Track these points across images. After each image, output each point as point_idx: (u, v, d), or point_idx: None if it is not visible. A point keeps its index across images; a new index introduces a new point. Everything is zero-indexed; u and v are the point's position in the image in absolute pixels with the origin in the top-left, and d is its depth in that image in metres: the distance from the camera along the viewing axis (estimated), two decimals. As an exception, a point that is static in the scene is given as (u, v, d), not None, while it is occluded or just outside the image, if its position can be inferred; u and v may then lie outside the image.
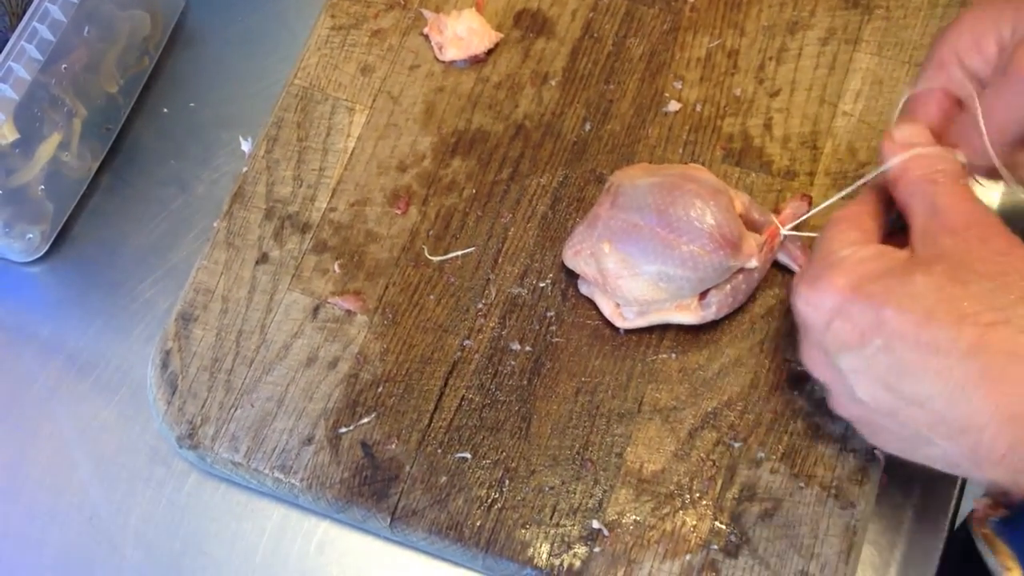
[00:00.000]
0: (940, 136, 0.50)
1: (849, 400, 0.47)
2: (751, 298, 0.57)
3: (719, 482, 0.54)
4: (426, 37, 0.66)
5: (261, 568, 0.57)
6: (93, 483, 0.60)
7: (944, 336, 0.41)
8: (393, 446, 0.56)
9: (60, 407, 0.62)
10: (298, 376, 0.58)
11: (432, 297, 0.59)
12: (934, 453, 0.45)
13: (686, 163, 0.61)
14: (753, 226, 0.56)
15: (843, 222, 0.48)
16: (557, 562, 0.53)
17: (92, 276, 0.66)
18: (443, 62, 0.65)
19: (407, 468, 0.55)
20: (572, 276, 0.59)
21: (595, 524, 0.53)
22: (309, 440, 0.56)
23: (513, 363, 0.57)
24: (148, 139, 0.69)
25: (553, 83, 0.64)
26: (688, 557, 0.52)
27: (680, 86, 0.63)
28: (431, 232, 0.61)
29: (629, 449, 0.55)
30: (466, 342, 0.58)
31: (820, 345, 0.46)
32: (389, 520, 0.55)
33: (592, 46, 0.65)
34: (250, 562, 0.58)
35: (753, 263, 0.55)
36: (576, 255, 0.57)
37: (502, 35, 0.65)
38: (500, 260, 0.60)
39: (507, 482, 0.55)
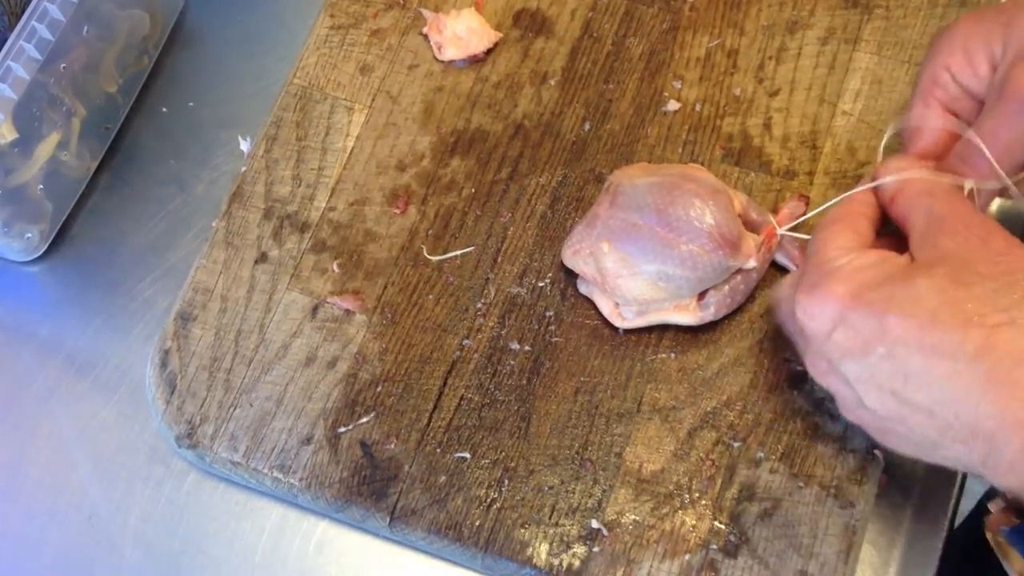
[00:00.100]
0: (942, 157, 0.50)
1: (857, 406, 0.46)
2: (750, 298, 0.57)
3: (718, 482, 0.54)
4: (425, 37, 0.66)
5: (260, 567, 0.57)
6: (92, 482, 0.60)
7: (949, 339, 0.41)
8: (392, 446, 0.56)
9: (59, 406, 0.62)
10: (297, 376, 0.58)
11: (431, 297, 0.59)
12: (950, 455, 0.44)
13: (685, 163, 0.61)
14: (751, 226, 0.56)
15: (836, 223, 0.48)
16: (556, 562, 0.53)
17: (91, 275, 0.66)
18: (442, 62, 0.65)
19: (406, 468, 0.55)
20: (571, 276, 0.59)
21: (594, 524, 0.53)
22: (308, 440, 0.56)
23: (512, 363, 0.57)
24: (147, 138, 0.69)
25: (552, 83, 0.64)
26: (687, 557, 0.52)
27: (679, 85, 0.63)
28: (430, 232, 0.61)
29: (628, 449, 0.55)
30: (465, 342, 0.58)
31: (823, 354, 0.46)
32: (388, 520, 0.55)
33: (591, 46, 0.65)
34: (249, 561, 0.58)
35: (751, 263, 0.55)
36: (575, 254, 0.57)
37: (501, 35, 0.65)
38: (499, 260, 0.60)
39: (506, 482, 0.55)
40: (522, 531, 0.54)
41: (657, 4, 0.66)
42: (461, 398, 0.57)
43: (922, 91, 0.52)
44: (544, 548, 0.53)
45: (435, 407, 0.57)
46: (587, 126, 0.63)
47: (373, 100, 0.65)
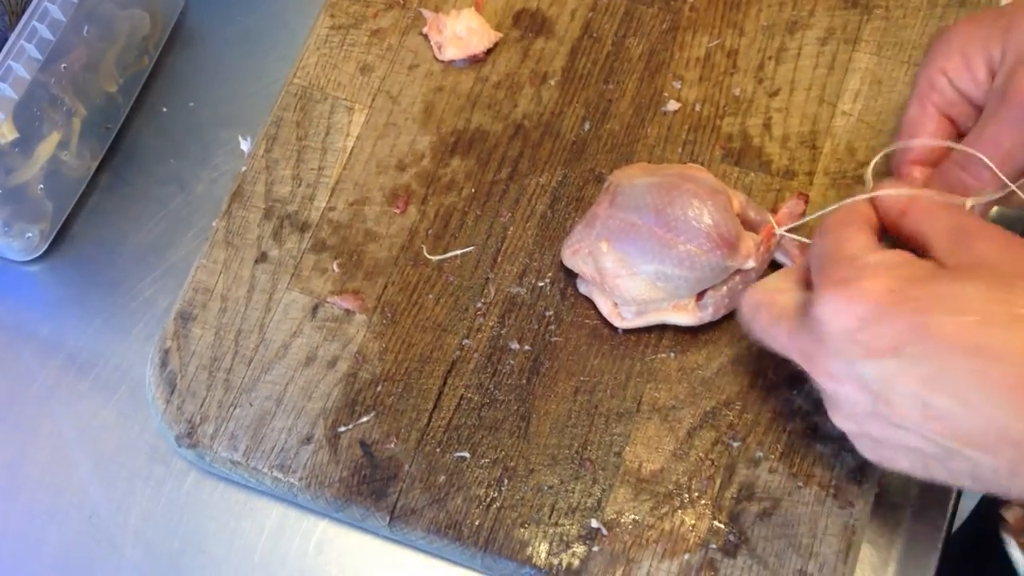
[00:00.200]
0: (936, 163, 0.50)
1: (866, 413, 0.44)
2: (750, 298, 0.57)
3: (718, 481, 0.54)
4: (425, 37, 0.66)
5: (260, 567, 0.57)
6: (92, 482, 0.60)
7: (999, 339, 0.39)
8: (392, 445, 0.56)
9: (59, 406, 0.62)
10: (297, 375, 0.58)
11: (431, 296, 0.59)
12: (962, 467, 0.42)
13: (685, 163, 0.61)
14: (750, 226, 0.56)
15: (850, 225, 0.46)
16: (556, 561, 0.53)
17: (91, 275, 0.66)
18: (442, 61, 0.65)
19: (406, 467, 0.55)
20: (571, 275, 0.59)
21: (594, 523, 0.53)
22: (308, 439, 0.56)
23: (512, 362, 0.57)
24: (147, 138, 0.69)
25: (552, 83, 0.64)
26: (687, 556, 0.52)
27: (679, 86, 0.63)
28: (430, 231, 0.61)
29: (628, 448, 0.55)
30: (465, 341, 0.58)
31: (841, 354, 0.43)
32: (388, 519, 0.55)
33: (591, 46, 0.65)
34: (249, 561, 0.58)
35: (750, 263, 0.55)
36: (574, 254, 0.57)
37: (501, 35, 0.65)
38: (499, 259, 0.60)
39: (506, 481, 0.55)
40: (522, 530, 0.54)
41: (657, 4, 0.66)
42: (461, 397, 0.57)
43: (919, 95, 0.51)
44: (544, 547, 0.53)
45: (435, 407, 0.57)
46: (587, 126, 0.63)
47: (373, 100, 0.65)
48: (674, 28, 0.65)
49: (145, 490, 0.60)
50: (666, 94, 0.63)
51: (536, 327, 0.58)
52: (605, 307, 0.57)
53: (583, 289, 0.58)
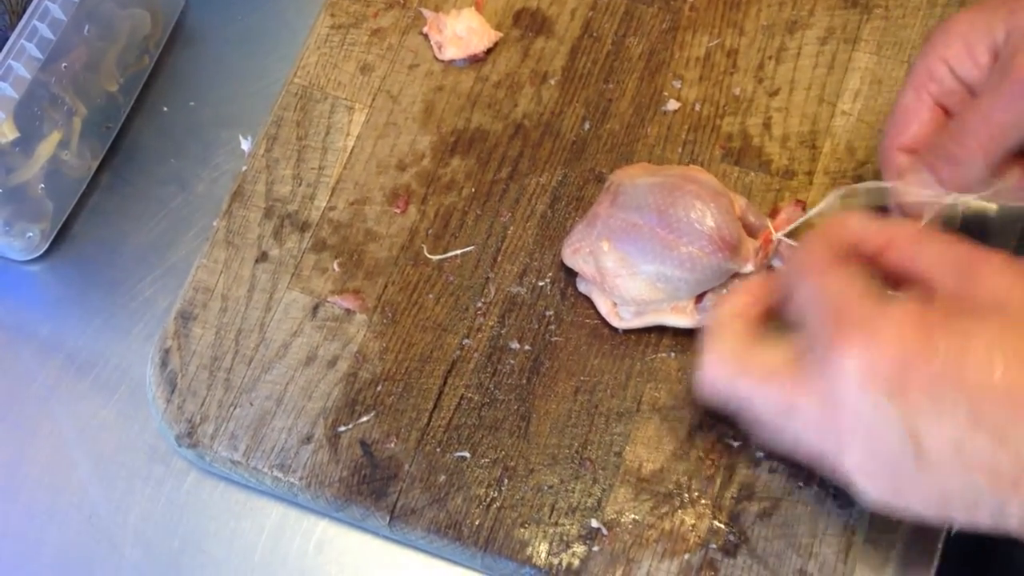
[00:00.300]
0: (926, 147, 0.50)
1: (882, 462, 0.42)
2: (750, 298, 0.57)
3: (718, 481, 0.54)
4: (425, 36, 0.66)
5: (260, 566, 0.57)
6: (92, 482, 0.60)
7: None
8: (392, 445, 0.56)
9: (59, 406, 0.62)
10: (297, 375, 0.58)
11: (431, 296, 0.59)
12: (984, 509, 0.41)
13: (686, 163, 0.61)
14: (749, 230, 0.56)
15: (841, 266, 0.44)
16: (556, 561, 0.53)
17: (92, 275, 0.66)
18: (442, 61, 0.65)
19: (406, 467, 0.55)
20: (571, 275, 0.59)
21: (594, 523, 0.53)
22: (308, 439, 0.56)
23: (512, 362, 0.57)
24: (148, 138, 0.69)
25: (552, 82, 0.64)
26: (687, 556, 0.52)
27: (679, 85, 0.63)
28: (430, 231, 0.61)
29: (628, 448, 0.55)
30: (465, 341, 0.58)
31: (865, 401, 0.41)
32: (388, 519, 0.55)
33: (591, 45, 0.65)
34: (249, 560, 0.58)
35: (749, 267, 0.55)
36: (575, 253, 0.57)
37: (501, 34, 0.65)
38: (499, 259, 0.60)
39: (506, 481, 0.55)
40: (522, 530, 0.54)
41: (657, 4, 0.66)
42: (461, 397, 0.57)
43: (915, 83, 0.51)
44: (544, 547, 0.53)
45: (435, 406, 0.57)
46: (587, 126, 0.63)
47: (373, 100, 0.65)
48: (674, 28, 0.65)
49: (145, 490, 0.60)
50: (666, 93, 0.63)
51: (536, 327, 0.58)
52: (604, 307, 0.57)
53: (583, 288, 0.58)
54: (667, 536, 0.53)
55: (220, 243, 0.61)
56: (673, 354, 0.57)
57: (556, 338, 0.58)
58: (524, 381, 0.57)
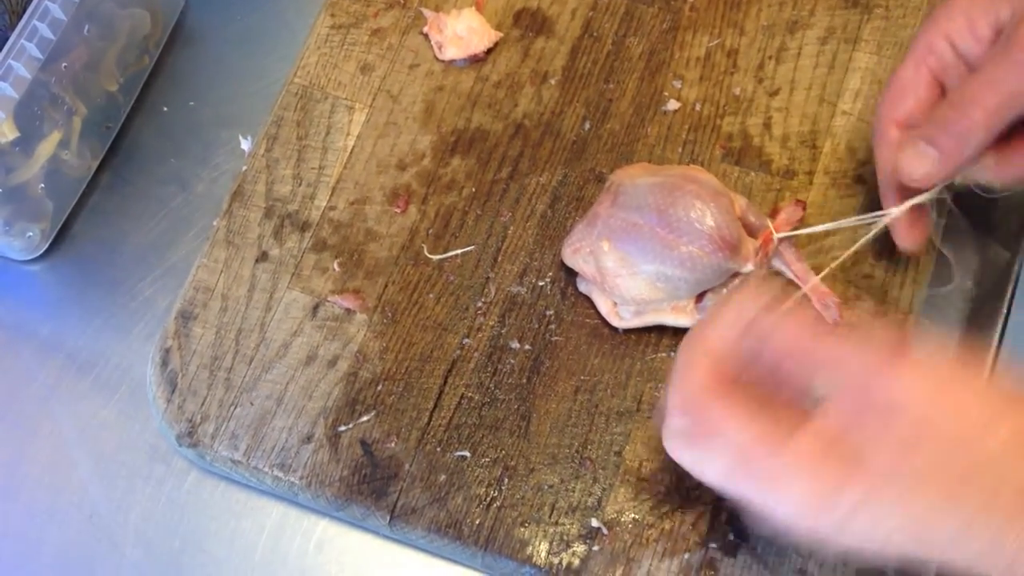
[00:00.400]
0: (918, 125, 0.50)
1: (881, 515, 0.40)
2: (750, 297, 0.57)
3: (718, 481, 0.54)
4: (426, 36, 0.66)
5: (260, 566, 0.57)
6: (93, 481, 0.60)
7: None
8: (392, 444, 0.56)
9: (60, 405, 0.62)
10: (297, 374, 0.58)
11: (431, 296, 0.59)
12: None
13: (686, 163, 0.61)
14: (749, 230, 0.56)
15: (726, 401, 0.41)
16: (556, 560, 0.53)
17: (92, 274, 0.66)
18: (443, 61, 0.65)
19: (406, 466, 0.55)
20: (571, 275, 0.59)
21: (594, 522, 0.53)
22: (308, 438, 0.56)
23: (512, 361, 0.57)
24: (148, 137, 0.69)
25: (553, 82, 0.64)
26: (687, 555, 0.53)
27: (679, 85, 0.63)
28: (430, 231, 0.61)
29: (628, 447, 0.55)
30: (465, 340, 0.58)
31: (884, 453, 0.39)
32: (388, 518, 0.55)
33: (592, 45, 0.65)
34: (249, 560, 0.58)
35: (749, 267, 0.55)
36: (575, 253, 0.57)
37: (502, 34, 0.65)
38: (499, 259, 0.60)
39: (506, 480, 0.55)
40: (522, 530, 0.54)
41: (657, 4, 0.66)
42: (461, 397, 0.57)
43: (915, 57, 0.51)
44: (544, 547, 0.53)
45: (435, 406, 0.57)
46: (587, 125, 0.63)
47: (374, 99, 0.65)
48: (674, 28, 0.65)
49: (145, 489, 0.60)
50: (666, 93, 0.63)
51: (536, 326, 0.58)
52: (604, 306, 0.57)
53: (582, 288, 0.58)
54: (667, 535, 0.53)
55: (220, 243, 0.61)
56: (673, 354, 0.57)
57: (556, 338, 0.58)
58: (524, 381, 0.57)
